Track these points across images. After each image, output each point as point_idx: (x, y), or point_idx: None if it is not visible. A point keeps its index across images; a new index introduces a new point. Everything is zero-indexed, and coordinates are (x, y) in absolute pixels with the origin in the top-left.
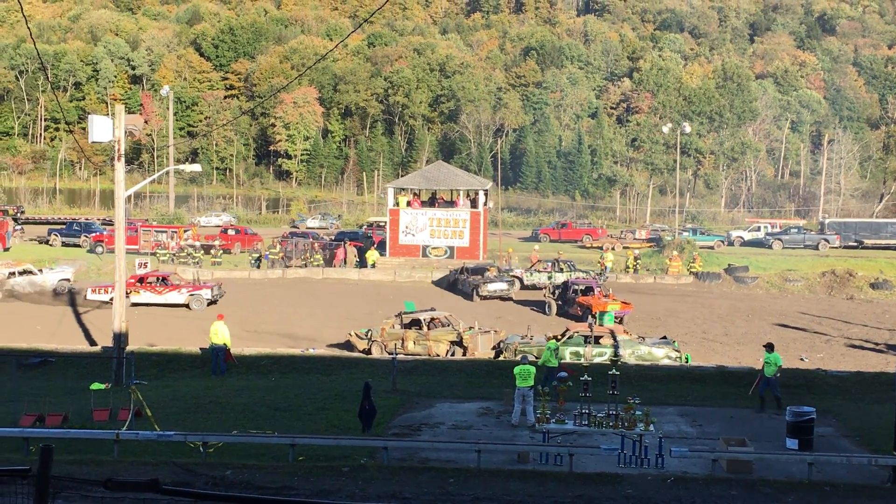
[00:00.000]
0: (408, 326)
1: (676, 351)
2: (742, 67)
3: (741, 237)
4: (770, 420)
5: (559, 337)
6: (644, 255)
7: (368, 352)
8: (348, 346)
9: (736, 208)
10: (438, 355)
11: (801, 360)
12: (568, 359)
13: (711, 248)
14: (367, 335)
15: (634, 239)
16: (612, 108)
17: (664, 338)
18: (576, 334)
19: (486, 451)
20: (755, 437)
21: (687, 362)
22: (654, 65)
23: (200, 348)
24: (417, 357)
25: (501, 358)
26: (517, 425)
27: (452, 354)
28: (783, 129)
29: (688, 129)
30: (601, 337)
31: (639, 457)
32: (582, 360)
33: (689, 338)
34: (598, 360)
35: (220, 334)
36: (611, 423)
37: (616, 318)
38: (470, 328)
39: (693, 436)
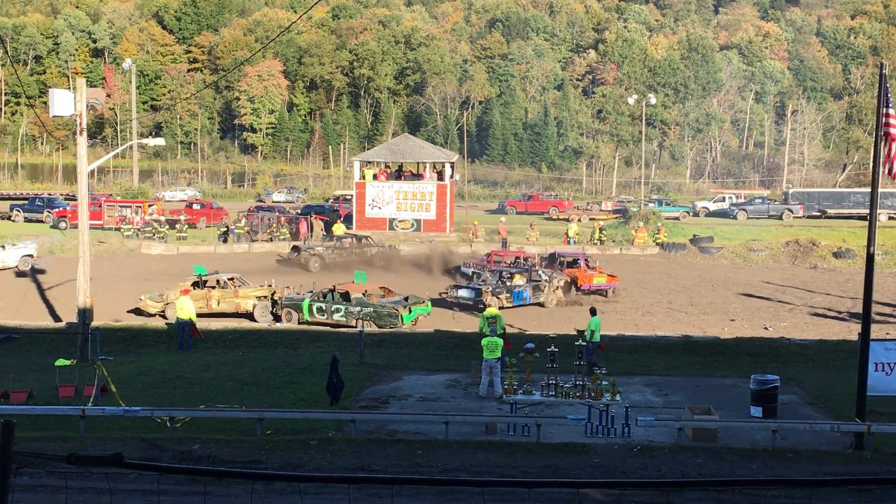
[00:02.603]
0: (206, 287)
1: (407, 310)
2: (706, 38)
3: (706, 208)
4: (735, 389)
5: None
6: (610, 226)
7: (163, 315)
8: (137, 311)
9: (701, 179)
10: (248, 311)
11: (766, 328)
12: (316, 314)
13: (677, 218)
14: (162, 298)
15: (600, 210)
16: (577, 79)
17: (406, 298)
18: (329, 292)
19: (454, 422)
20: (720, 405)
21: (414, 324)
22: (619, 36)
23: (167, 323)
24: (384, 330)
25: (274, 310)
26: (485, 397)
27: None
28: (747, 99)
29: (653, 100)
30: (349, 295)
31: (605, 426)
32: (325, 316)
33: (655, 308)
34: (335, 316)
35: (185, 309)
36: (578, 394)
37: (602, 290)
38: (269, 284)
39: (659, 405)
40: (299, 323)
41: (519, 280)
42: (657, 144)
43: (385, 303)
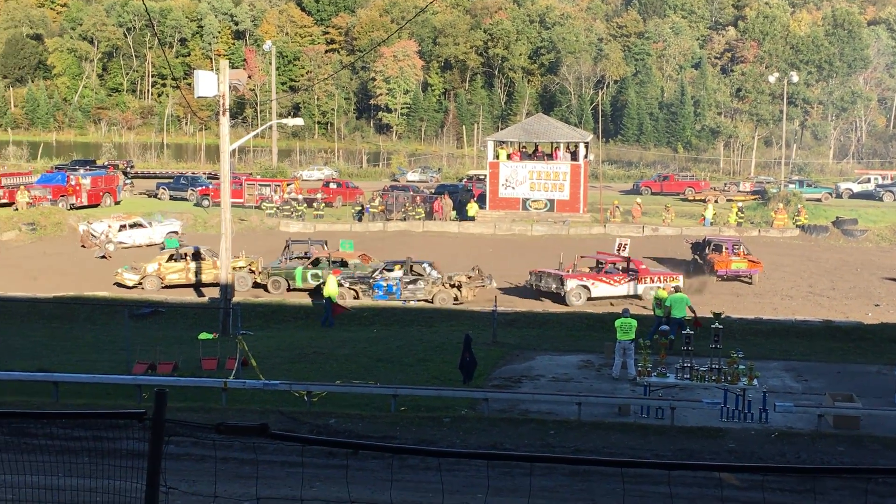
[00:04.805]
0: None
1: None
2: (853, 14)
3: (850, 189)
4: (879, 376)
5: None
6: (748, 207)
7: (141, 286)
8: (118, 285)
9: (845, 160)
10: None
11: None
12: (310, 280)
13: (818, 200)
14: (137, 270)
15: (738, 191)
16: (716, 57)
17: (395, 262)
18: (322, 259)
19: (587, 403)
20: (863, 392)
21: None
22: (760, 13)
23: (313, 301)
24: (517, 309)
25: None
26: (618, 378)
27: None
28: None
29: (795, 78)
30: (346, 263)
31: (742, 411)
32: (321, 281)
33: (794, 292)
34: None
35: (330, 287)
36: (713, 378)
37: (743, 275)
38: (237, 257)
39: (798, 391)
40: (288, 290)
41: (397, 272)
42: (799, 124)
43: (382, 268)
